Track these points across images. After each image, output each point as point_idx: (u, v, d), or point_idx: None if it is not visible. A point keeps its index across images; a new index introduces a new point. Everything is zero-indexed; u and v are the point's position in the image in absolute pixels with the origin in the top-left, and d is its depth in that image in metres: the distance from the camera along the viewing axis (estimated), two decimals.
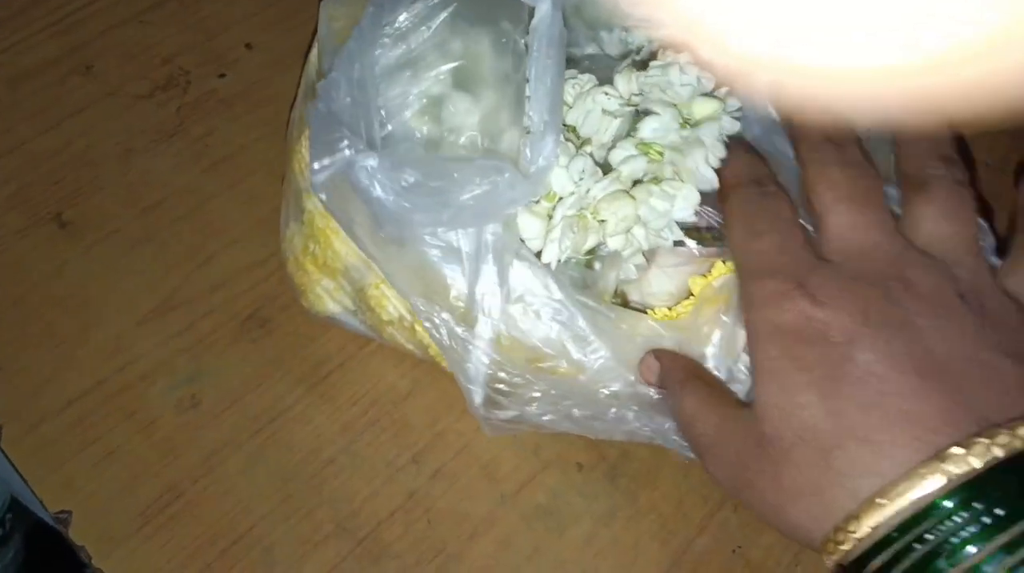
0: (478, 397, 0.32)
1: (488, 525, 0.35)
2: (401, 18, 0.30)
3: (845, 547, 0.23)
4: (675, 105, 0.31)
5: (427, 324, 0.31)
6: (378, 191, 0.29)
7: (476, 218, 0.29)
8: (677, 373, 0.30)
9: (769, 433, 0.25)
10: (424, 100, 0.30)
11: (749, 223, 0.29)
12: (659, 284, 0.31)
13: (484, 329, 0.31)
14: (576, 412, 0.33)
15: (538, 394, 0.32)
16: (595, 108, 0.31)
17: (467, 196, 0.29)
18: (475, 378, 0.32)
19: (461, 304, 0.30)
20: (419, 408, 0.38)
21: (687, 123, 0.31)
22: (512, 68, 0.31)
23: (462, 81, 0.31)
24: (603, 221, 0.30)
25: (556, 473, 0.36)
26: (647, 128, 0.31)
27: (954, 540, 0.21)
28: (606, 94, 0.31)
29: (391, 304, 0.33)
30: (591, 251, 0.31)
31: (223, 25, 0.49)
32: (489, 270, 0.30)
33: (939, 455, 0.22)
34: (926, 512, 0.22)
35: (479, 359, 0.31)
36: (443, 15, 0.29)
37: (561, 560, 0.34)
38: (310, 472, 0.36)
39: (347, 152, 0.29)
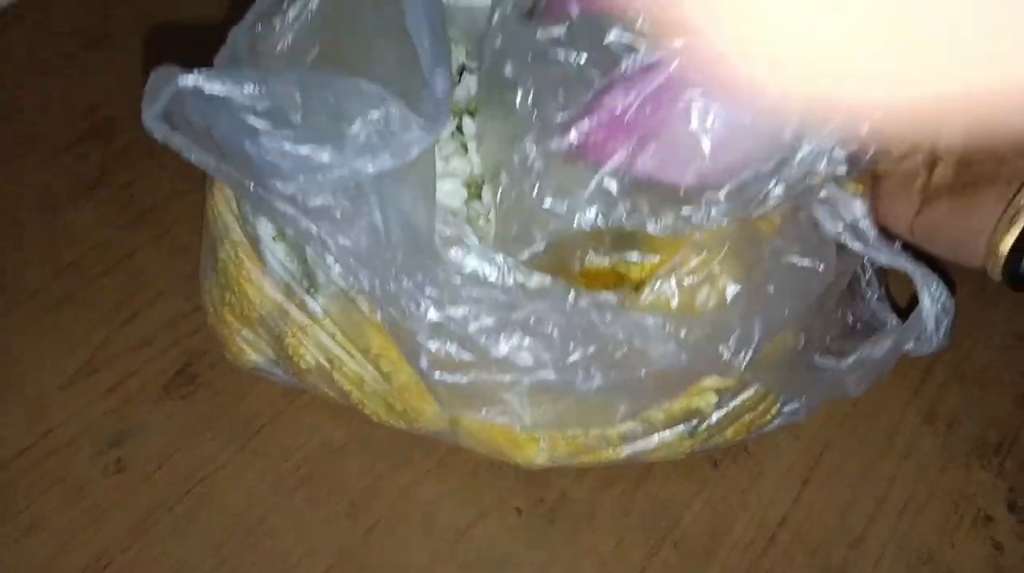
0: (422, 355, 0.28)
1: None
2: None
3: None
4: None
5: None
6: (221, 127, 0.25)
7: (368, 157, 0.25)
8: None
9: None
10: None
11: None
12: None
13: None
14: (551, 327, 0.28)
15: (491, 320, 0.27)
16: None
17: (356, 128, 0.25)
18: (419, 319, 0.27)
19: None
20: (354, 460, 0.37)
21: None
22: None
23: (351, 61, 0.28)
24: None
25: (495, 519, 0.36)
26: None
27: None
28: None
29: (308, 352, 0.33)
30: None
31: (144, 70, 0.49)
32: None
33: None
34: None
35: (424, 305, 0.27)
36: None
37: None
38: (243, 532, 0.35)
39: (179, 81, 0.25)
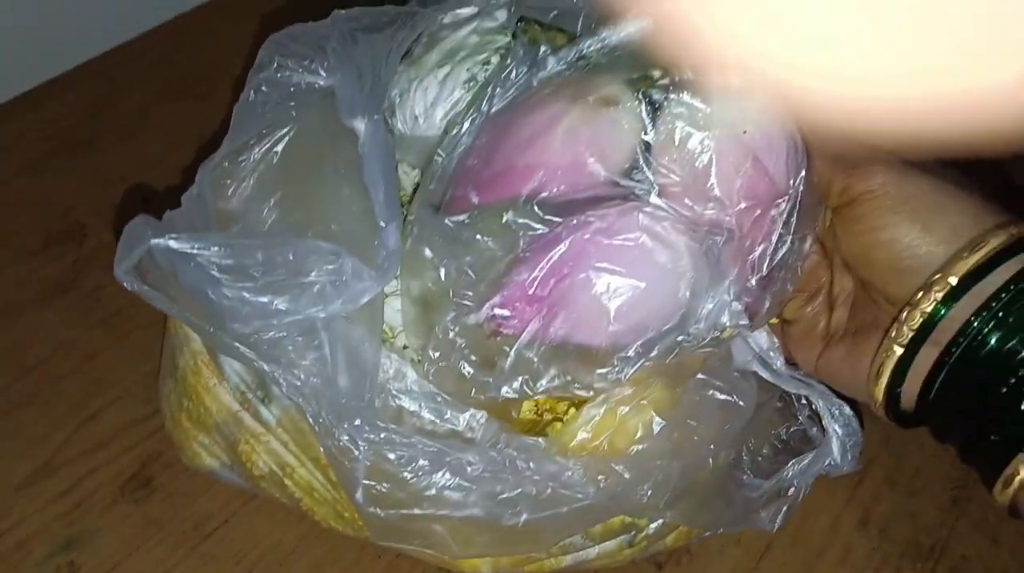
0: (358, 488, 0.29)
1: None
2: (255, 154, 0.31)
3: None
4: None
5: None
6: (189, 277, 0.27)
7: (321, 305, 0.28)
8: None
9: None
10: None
11: None
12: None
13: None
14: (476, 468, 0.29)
15: (425, 462, 0.29)
16: None
17: (311, 278, 0.28)
18: (357, 460, 0.29)
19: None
20: (304, 564, 0.37)
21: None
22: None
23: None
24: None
25: None
26: None
27: None
28: None
29: (261, 459, 0.34)
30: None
31: (121, 175, 0.51)
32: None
33: None
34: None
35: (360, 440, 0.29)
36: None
37: None
38: None
39: (151, 240, 0.28)
